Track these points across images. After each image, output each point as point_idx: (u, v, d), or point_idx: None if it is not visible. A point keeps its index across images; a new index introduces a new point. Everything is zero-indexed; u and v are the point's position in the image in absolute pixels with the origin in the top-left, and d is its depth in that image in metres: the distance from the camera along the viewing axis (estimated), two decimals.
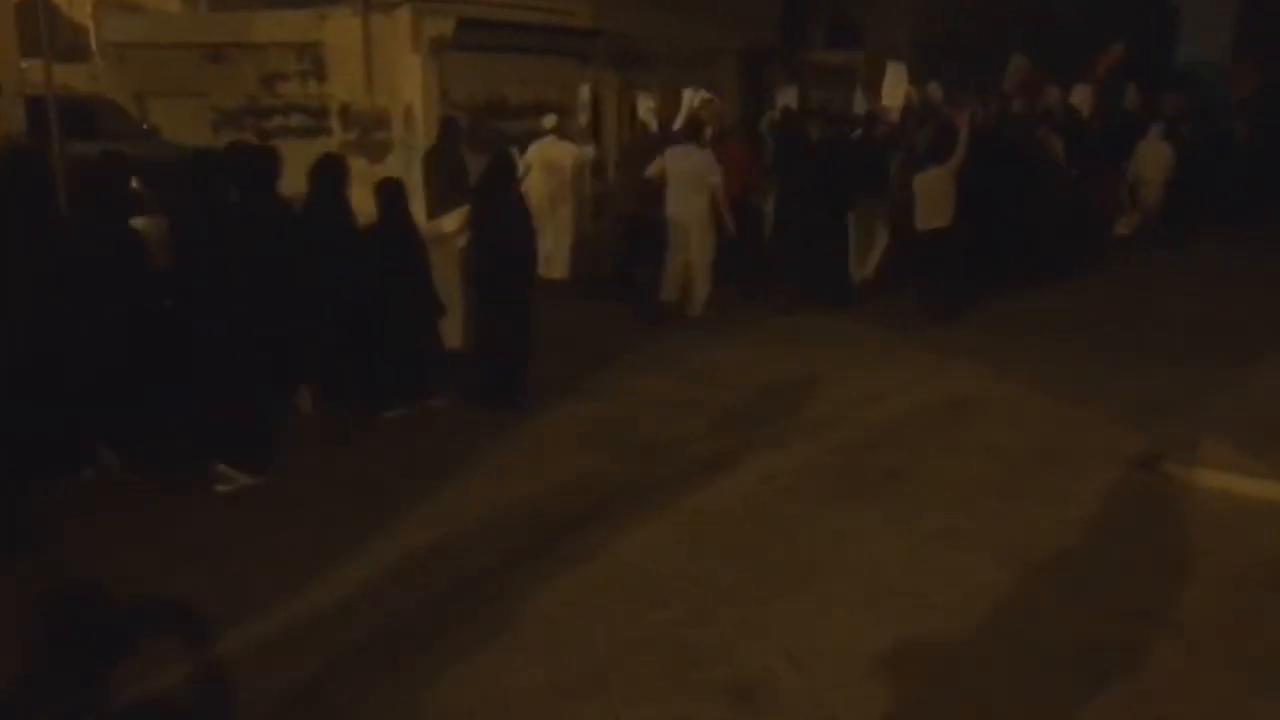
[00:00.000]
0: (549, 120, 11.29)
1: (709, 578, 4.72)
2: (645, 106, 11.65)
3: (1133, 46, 33.30)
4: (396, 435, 6.64)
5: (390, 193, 6.81)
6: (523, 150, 10.80)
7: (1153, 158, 14.08)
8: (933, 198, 9.65)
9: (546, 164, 10.97)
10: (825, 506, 5.52)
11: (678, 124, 10.61)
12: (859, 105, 13.20)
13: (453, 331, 7.42)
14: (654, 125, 11.18)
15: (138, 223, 5.97)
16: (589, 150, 11.67)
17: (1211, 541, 5.12)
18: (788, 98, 13.33)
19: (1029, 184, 11.04)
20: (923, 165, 9.94)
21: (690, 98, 11.16)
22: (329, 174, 6.67)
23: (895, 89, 12.51)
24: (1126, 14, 34.48)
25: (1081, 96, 14.82)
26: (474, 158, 14.46)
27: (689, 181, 9.38)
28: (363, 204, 6.90)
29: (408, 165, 12.39)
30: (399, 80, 14.12)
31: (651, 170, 9.60)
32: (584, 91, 12.73)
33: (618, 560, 4.89)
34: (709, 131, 9.87)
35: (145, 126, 14.01)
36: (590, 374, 7.97)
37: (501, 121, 14.91)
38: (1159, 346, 9.07)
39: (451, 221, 7.60)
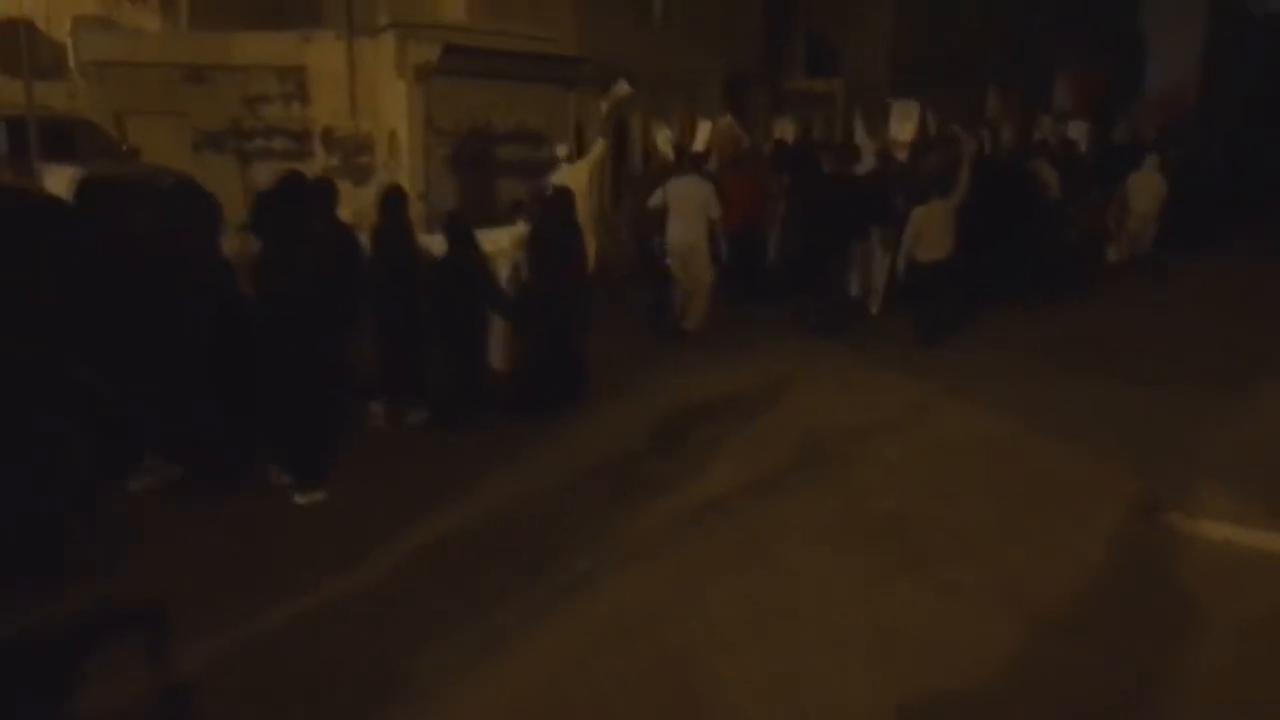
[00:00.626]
0: (562, 150, 11.53)
1: (711, 628, 4.67)
2: (663, 137, 11.99)
3: (1104, 74, 33.84)
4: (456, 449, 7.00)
5: (457, 226, 7.45)
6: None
7: (1146, 188, 14.33)
8: (933, 230, 9.92)
9: None
10: (828, 553, 5.49)
11: (696, 146, 11.14)
12: (859, 137, 13.35)
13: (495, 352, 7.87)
14: (672, 156, 11.38)
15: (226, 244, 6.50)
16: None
17: (1217, 594, 5.13)
18: (784, 130, 13.53)
19: (1022, 214, 11.40)
20: (925, 197, 10.17)
21: (705, 127, 11.65)
22: (393, 204, 7.34)
23: (905, 124, 13.02)
24: (1096, 41, 35.02)
25: (1079, 130, 15.58)
26: (452, 179, 14.57)
27: (689, 212, 9.70)
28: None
29: None
30: (383, 105, 14.03)
31: (653, 201, 9.94)
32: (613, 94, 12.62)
33: (617, 606, 4.83)
34: (721, 158, 10.68)
35: (125, 147, 13.82)
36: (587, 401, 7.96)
37: (487, 147, 14.85)
38: (1148, 374, 9.22)
39: (506, 238, 8.15)
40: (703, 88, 19.49)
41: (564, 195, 7.96)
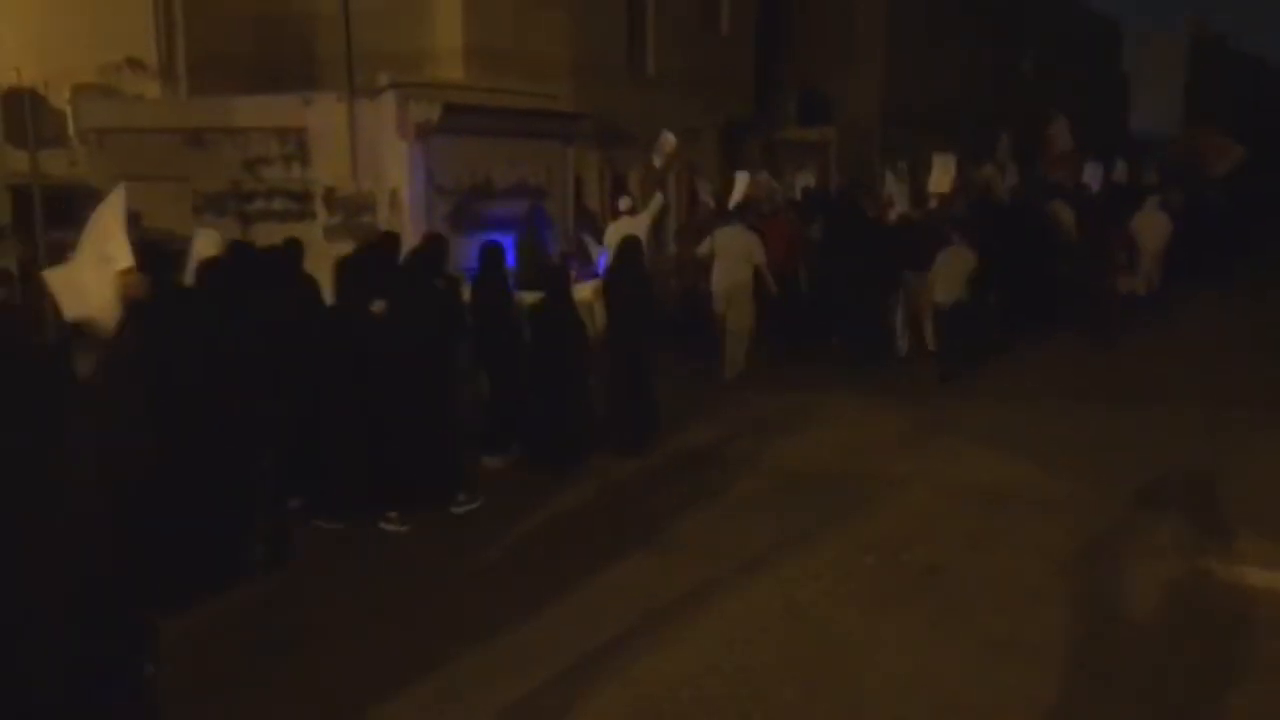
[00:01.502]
0: (625, 202, 12.37)
1: (762, 697, 4.53)
2: (706, 190, 13.05)
3: (1088, 116, 34.28)
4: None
5: (557, 276, 8.10)
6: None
7: (1151, 227, 14.59)
8: (953, 273, 10.42)
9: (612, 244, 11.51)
10: (870, 611, 5.36)
11: (733, 203, 11.65)
12: (889, 184, 13.90)
13: None
14: (713, 205, 12.23)
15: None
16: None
17: (1257, 641, 5.03)
18: (806, 179, 14.14)
19: (1043, 254, 12.14)
20: (947, 239, 10.72)
21: (744, 180, 12.23)
22: (492, 258, 8.10)
23: (943, 176, 13.46)
24: (1081, 85, 35.48)
25: (1092, 173, 16.34)
26: (455, 235, 14.54)
27: (735, 258, 10.32)
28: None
29: None
30: (384, 164, 13.99)
31: (701, 249, 10.65)
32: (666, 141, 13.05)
33: (664, 679, 4.68)
34: (763, 208, 11.36)
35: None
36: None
37: (487, 203, 14.84)
38: (1173, 410, 9.31)
39: (587, 290, 8.95)
40: (697, 139, 19.59)
41: (634, 245, 8.49)
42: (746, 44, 22.78)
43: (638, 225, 10.98)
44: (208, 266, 6.49)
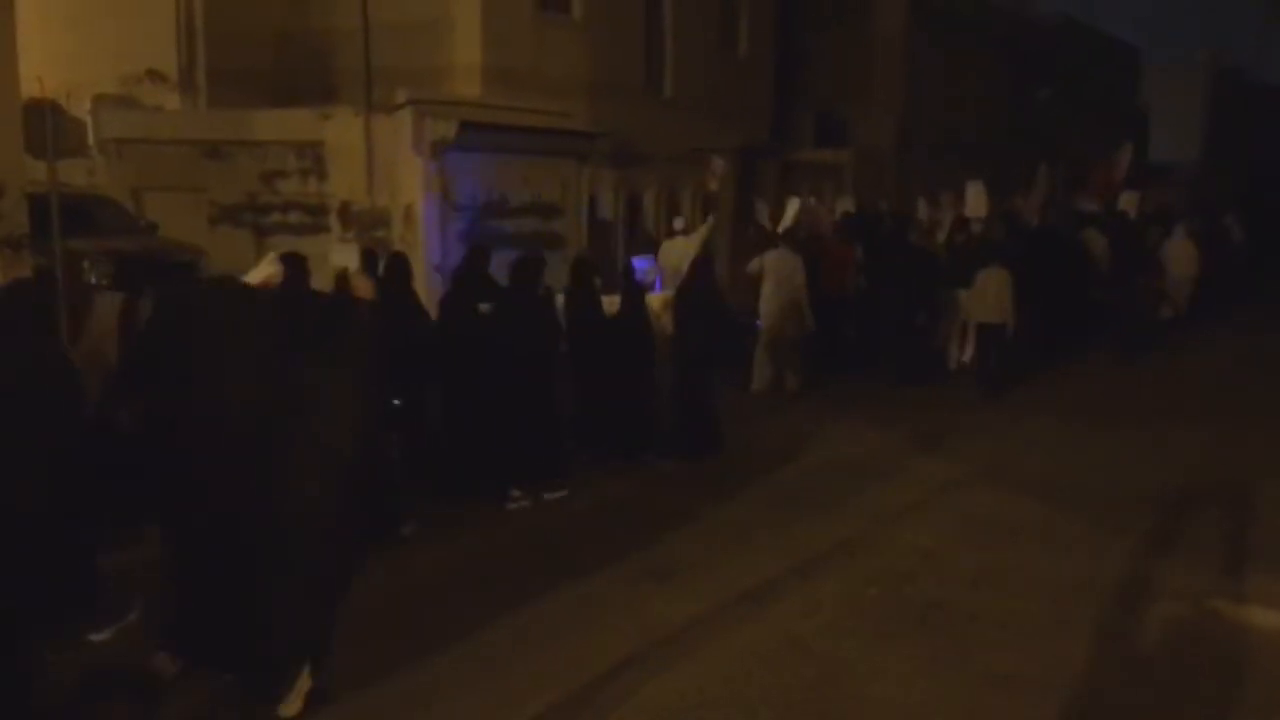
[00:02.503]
0: (678, 222, 13.17)
1: None
2: (761, 211, 13.77)
3: (1107, 146, 34.30)
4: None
5: (634, 289, 8.81)
6: None
7: (1181, 255, 15.12)
8: (991, 294, 10.99)
9: (672, 263, 11.93)
10: (872, 646, 5.32)
11: (783, 227, 12.21)
12: (921, 211, 14.71)
13: None
14: (769, 227, 12.79)
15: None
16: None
17: (1268, 682, 4.96)
18: (845, 204, 14.70)
19: (1076, 280, 12.67)
20: (990, 261, 11.28)
21: (794, 205, 12.79)
22: (583, 271, 8.68)
23: (978, 201, 14.21)
24: (1098, 114, 35.42)
25: (1129, 201, 16.71)
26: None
27: (782, 279, 10.85)
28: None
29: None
30: (400, 180, 14.09)
31: (751, 268, 11.15)
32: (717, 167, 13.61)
33: (665, 711, 4.65)
34: (800, 232, 11.88)
35: (143, 223, 13.89)
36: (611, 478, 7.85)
37: (502, 220, 14.90)
38: (1181, 443, 9.38)
39: (657, 300, 9.48)
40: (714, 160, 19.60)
41: (706, 264, 9.28)
42: (764, 67, 22.83)
43: (690, 244, 11.42)
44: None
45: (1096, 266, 13.61)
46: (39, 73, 14.62)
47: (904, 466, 8.65)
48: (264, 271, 5.37)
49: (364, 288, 5.14)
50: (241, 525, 4.47)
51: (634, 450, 8.41)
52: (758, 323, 10.90)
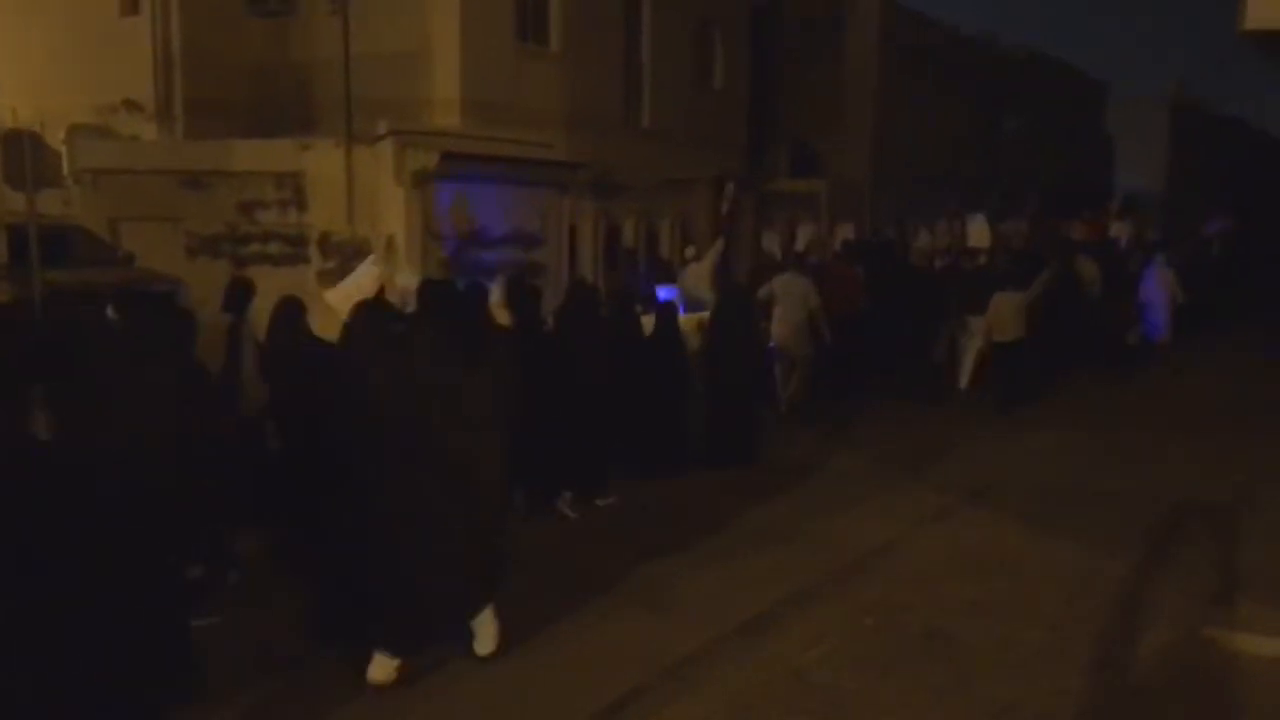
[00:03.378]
0: (690, 251, 13.59)
1: None
2: (770, 239, 14.91)
3: (1074, 175, 34.86)
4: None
5: (668, 313, 9.46)
6: None
7: (1161, 281, 15.63)
8: (1008, 316, 11.75)
9: (689, 289, 12.59)
10: (873, 677, 5.31)
11: (799, 248, 13.22)
12: (922, 240, 15.63)
13: None
14: (779, 254, 13.71)
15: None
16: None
17: (1265, 712, 4.99)
18: (844, 231, 15.03)
19: (1068, 305, 13.24)
20: (1001, 286, 12.01)
21: (806, 232, 14.12)
22: (622, 300, 9.30)
23: (981, 233, 15.06)
24: (1067, 144, 36.01)
25: (1120, 230, 17.88)
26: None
27: (793, 302, 11.20)
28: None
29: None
30: (381, 210, 14.10)
31: (762, 293, 11.35)
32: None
33: None
34: (815, 258, 12.49)
35: (120, 253, 13.78)
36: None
37: (482, 251, 14.90)
38: (1170, 469, 9.49)
39: (693, 320, 10.07)
40: (691, 190, 19.76)
41: (739, 288, 10.24)
42: (739, 98, 23.08)
43: (703, 270, 12.25)
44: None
45: (1089, 292, 14.22)
46: (13, 103, 14.57)
47: (899, 488, 8.70)
48: (366, 275, 6.54)
49: (503, 316, 6.22)
50: (423, 501, 5.12)
51: (666, 465, 8.86)
52: (772, 344, 11.28)
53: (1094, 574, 6.78)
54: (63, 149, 15.72)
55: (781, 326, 11.31)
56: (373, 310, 6.34)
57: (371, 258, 7.01)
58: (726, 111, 22.40)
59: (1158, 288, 15.56)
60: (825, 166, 25.26)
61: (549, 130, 16.34)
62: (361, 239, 14.15)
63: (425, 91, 15.89)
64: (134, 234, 14.79)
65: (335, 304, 6.84)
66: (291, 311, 6.88)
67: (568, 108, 17.33)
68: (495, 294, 7.87)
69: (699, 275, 12.39)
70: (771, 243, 14.67)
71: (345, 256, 14.23)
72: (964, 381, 13.03)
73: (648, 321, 9.29)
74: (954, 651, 5.62)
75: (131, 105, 16.61)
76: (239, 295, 7.21)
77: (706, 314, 9.94)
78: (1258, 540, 7.38)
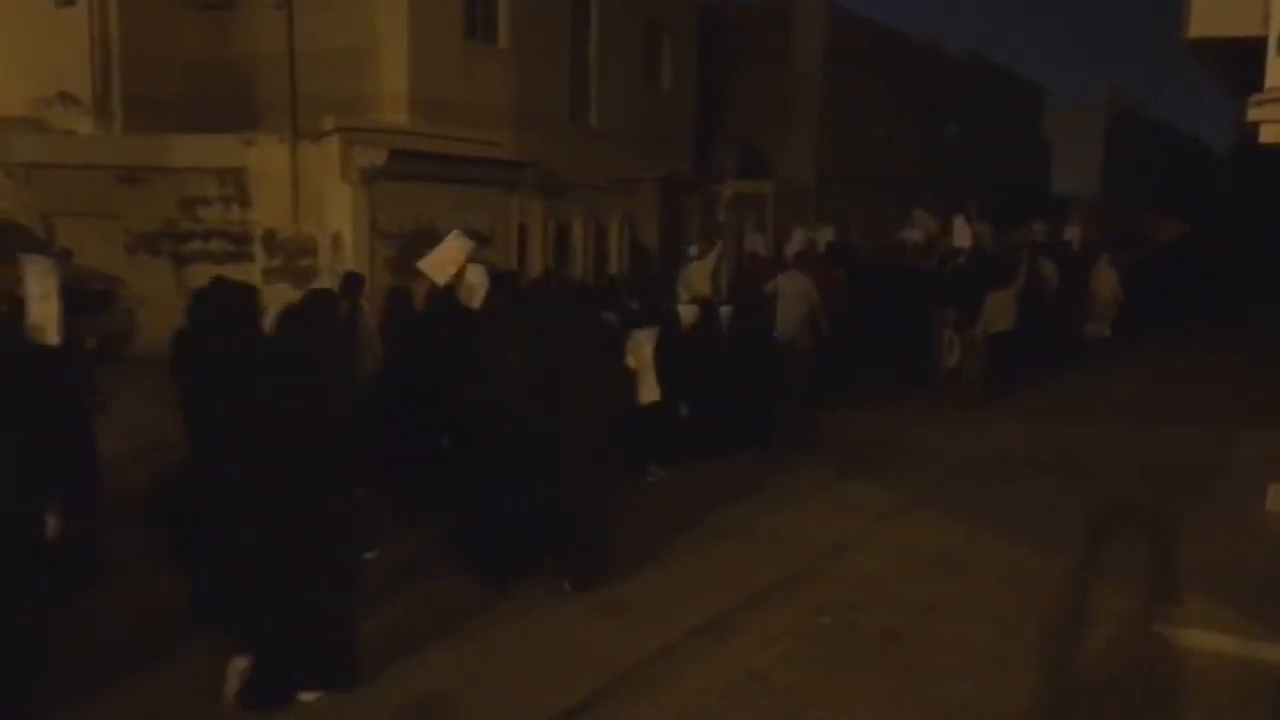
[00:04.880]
0: (693, 249, 13.98)
1: None
2: (760, 242, 15.58)
3: (1012, 180, 35.51)
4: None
5: (707, 304, 10.19)
6: None
7: (1105, 280, 16.79)
8: (1000, 309, 12.83)
9: (693, 285, 12.80)
10: (832, 677, 5.33)
11: (789, 253, 13.63)
12: (911, 235, 16.10)
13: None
14: (764, 254, 14.44)
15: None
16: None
17: (1214, 706, 5.11)
18: (825, 235, 15.50)
19: (1031, 302, 13.85)
20: (991, 284, 13.04)
21: (800, 234, 14.34)
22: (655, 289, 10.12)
23: (963, 233, 15.32)
24: (1004, 149, 36.59)
25: (1073, 233, 18.77)
26: (397, 280, 14.41)
27: (796, 298, 11.68)
28: None
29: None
30: (326, 208, 13.87)
31: (768, 288, 11.72)
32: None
33: None
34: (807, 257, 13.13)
35: (56, 250, 13.39)
36: None
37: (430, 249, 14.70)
38: (1114, 470, 9.65)
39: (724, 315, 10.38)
40: (639, 190, 19.76)
41: (757, 285, 11.03)
42: (687, 101, 23.12)
43: (705, 268, 12.95)
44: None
45: (1049, 289, 15.02)
46: None
47: (832, 501, 8.69)
48: (453, 245, 7.28)
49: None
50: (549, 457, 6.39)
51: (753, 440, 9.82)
52: (775, 335, 11.52)
53: (1042, 572, 6.89)
54: None
55: (785, 320, 11.73)
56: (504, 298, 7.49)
57: (457, 232, 7.85)
58: (674, 112, 22.42)
59: (1102, 285, 16.64)
60: (772, 168, 25.40)
61: (497, 129, 16.22)
62: (306, 236, 13.94)
63: (372, 88, 15.68)
64: (70, 230, 14.42)
65: (429, 272, 7.55)
66: (404, 299, 8.00)
67: (516, 106, 17.22)
68: (476, 277, 8.11)
69: (702, 272, 12.98)
70: (756, 243, 15.27)
71: (289, 254, 14.01)
72: (956, 372, 13.72)
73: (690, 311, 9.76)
74: (908, 651, 5.67)
75: (67, 98, 16.18)
76: (352, 286, 7.98)
77: (727, 308, 10.50)
78: (1204, 535, 7.53)
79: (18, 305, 5.87)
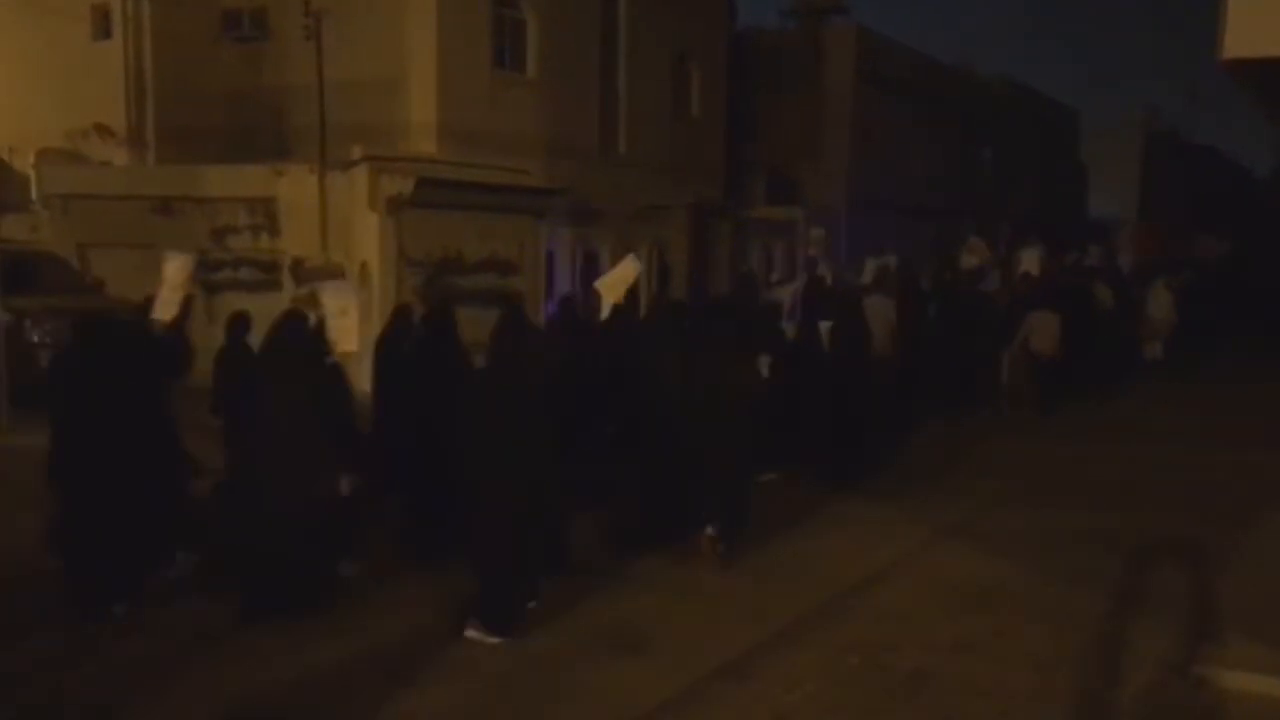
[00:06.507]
0: (775, 276, 15.39)
1: None
2: (826, 268, 15.75)
3: (1048, 203, 35.20)
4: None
5: (855, 318, 10.61)
6: None
7: (1161, 302, 17.13)
8: (1047, 331, 13.27)
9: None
10: (857, 718, 5.16)
11: (868, 278, 14.24)
12: (965, 260, 16.29)
13: None
14: (829, 281, 14.86)
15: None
16: None
17: None
18: (891, 262, 15.62)
19: (1085, 324, 14.24)
20: (1039, 306, 13.48)
21: (873, 263, 14.95)
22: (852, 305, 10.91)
23: (1032, 261, 15.80)
24: (1040, 172, 36.28)
25: (1125, 258, 19.65)
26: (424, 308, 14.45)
27: (879, 321, 11.96)
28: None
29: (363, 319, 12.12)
30: (355, 236, 13.95)
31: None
32: None
33: None
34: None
35: (88, 280, 13.56)
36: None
37: (458, 277, 14.75)
38: (1157, 499, 9.37)
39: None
40: (668, 217, 19.73)
41: (857, 304, 11.17)
42: (716, 127, 23.10)
43: (785, 294, 13.78)
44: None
45: (1106, 312, 15.37)
46: None
47: (858, 537, 8.52)
48: (628, 267, 8.74)
49: None
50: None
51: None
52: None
53: (1077, 609, 6.67)
54: (31, 174, 15.53)
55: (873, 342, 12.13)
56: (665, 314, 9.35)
57: (631, 255, 9.17)
58: (704, 139, 22.41)
59: (1158, 308, 17.01)
60: (802, 195, 25.30)
61: (526, 157, 16.26)
62: (335, 265, 13.99)
63: (401, 117, 15.78)
64: (104, 260, 14.57)
65: (605, 292, 8.81)
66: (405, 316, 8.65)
67: (544, 134, 17.26)
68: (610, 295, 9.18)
69: (784, 296, 13.88)
70: (826, 271, 15.81)
71: (318, 282, 14.04)
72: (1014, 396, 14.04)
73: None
74: (938, 694, 5.49)
75: (103, 130, 16.42)
76: (443, 303, 8.66)
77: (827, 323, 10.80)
78: (1250, 570, 7.27)
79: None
